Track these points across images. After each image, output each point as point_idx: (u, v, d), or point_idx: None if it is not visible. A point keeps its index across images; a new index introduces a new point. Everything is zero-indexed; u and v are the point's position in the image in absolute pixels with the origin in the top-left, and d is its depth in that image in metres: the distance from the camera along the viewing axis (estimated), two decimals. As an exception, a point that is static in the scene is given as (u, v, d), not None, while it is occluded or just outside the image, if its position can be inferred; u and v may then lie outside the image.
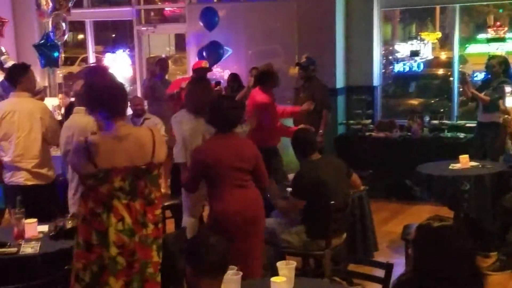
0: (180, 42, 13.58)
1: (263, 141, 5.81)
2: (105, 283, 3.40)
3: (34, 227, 4.20)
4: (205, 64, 7.38)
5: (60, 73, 11.07)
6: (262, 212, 4.44)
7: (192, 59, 9.50)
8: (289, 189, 5.28)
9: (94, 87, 3.51)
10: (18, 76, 5.28)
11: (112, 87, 3.48)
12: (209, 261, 2.50)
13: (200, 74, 7.06)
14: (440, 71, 10.04)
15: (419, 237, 2.71)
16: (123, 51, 10.56)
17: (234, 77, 8.62)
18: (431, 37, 9.24)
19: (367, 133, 8.46)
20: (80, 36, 14.76)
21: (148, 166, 3.41)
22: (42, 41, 8.02)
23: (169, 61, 13.85)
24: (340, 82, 8.85)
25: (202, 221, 5.66)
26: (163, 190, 5.59)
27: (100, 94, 3.43)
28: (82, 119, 4.51)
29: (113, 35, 16.37)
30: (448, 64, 9.35)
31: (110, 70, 3.65)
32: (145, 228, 3.43)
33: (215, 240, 2.57)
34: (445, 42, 10.01)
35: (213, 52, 8.85)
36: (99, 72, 3.56)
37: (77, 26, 13.11)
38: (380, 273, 3.71)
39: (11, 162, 5.17)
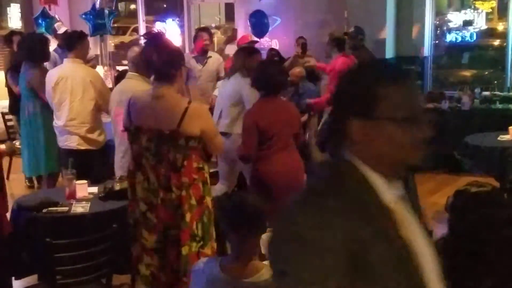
0: (230, 11, 13.60)
1: None
2: (141, 235, 3.61)
3: (84, 188, 4.36)
4: (251, 37, 7.43)
5: (111, 42, 11.28)
6: (303, 175, 4.51)
7: (241, 29, 9.53)
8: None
9: (145, 50, 3.66)
10: (74, 42, 5.49)
11: (160, 52, 3.56)
12: (245, 217, 2.57)
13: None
14: (494, 42, 9.78)
15: (456, 202, 2.72)
16: (173, 20, 10.65)
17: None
18: (485, 6, 8.99)
19: (416, 104, 8.35)
20: (132, 6, 14.94)
21: (172, 133, 3.48)
22: (89, 10, 8.18)
23: (219, 31, 13.93)
24: (389, 52, 8.75)
25: (240, 188, 5.75)
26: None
27: (148, 57, 3.58)
28: (135, 85, 4.60)
29: (164, 5, 16.51)
30: (503, 35, 9.12)
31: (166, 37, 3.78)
32: (169, 193, 3.54)
33: (252, 198, 2.64)
34: (502, 12, 9.74)
35: (257, 21, 8.84)
36: (154, 37, 3.69)
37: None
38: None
39: (63, 127, 5.36)
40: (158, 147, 3.53)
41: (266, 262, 2.81)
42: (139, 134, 3.58)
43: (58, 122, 5.40)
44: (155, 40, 3.65)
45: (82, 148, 5.34)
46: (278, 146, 4.37)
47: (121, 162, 4.64)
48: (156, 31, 4.01)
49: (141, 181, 3.60)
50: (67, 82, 5.33)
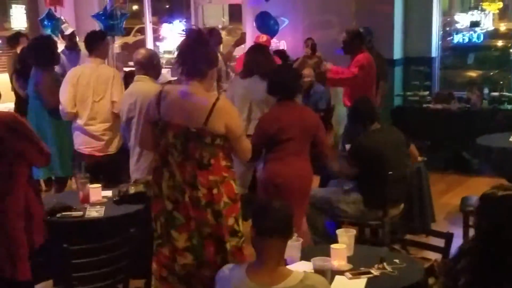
0: (234, 12, 13.54)
1: None
2: (170, 236, 3.54)
3: (98, 192, 4.33)
4: (262, 39, 7.40)
5: (116, 43, 11.23)
6: (310, 186, 4.51)
7: (248, 30, 9.49)
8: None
9: (182, 44, 3.64)
10: (95, 43, 5.49)
11: (198, 47, 3.56)
12: (270, 223, 2.54)
13: None
14: (500, 43, 9.74)
15: (483, 206, 2.68)
16: (180, 21, 10.62)
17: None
18: (493, 7, 8.94)
19: (425, 105, 8.35)
20: (135, 7, 14.88)
21: (198, 131, 3.45)
22: (101, 11, 8.13)
23: (223, 32, 13.90)
24: (398, 53, 8.72)
25: (251, 190, 5.75)
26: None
27: (184, 51, 3.58)
28: (145, 86, 4.59)
29: (167, 6, 16.45)
30: (509, 36, 9.10)
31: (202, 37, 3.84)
32: (195, 190, 3.48)
33: (278, 204, 2.60)
34: (504, 13, 9.72)
35: (263, 23, 8.80)
36: (194, 33, 3.70)
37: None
38: (436, 242, 3.73)
39: (84, 125, 5.34)
40: (185, 144, 3.49)
41: (291, 267, 2.78)
42: (166, 129, 3.52)
43: (79, 121, 5.39)
44: (195, 35, 3.62)
45: (97, 154, 5.31)
46: (292, 151, 4.34)
47: (136, 165, 4.61)
48: (197, 28, 3.98)
49: (167, 178, 3.54)
50: (90, 80, 5.33)
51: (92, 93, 5.31)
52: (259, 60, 5.34)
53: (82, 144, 5.38)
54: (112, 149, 5.38)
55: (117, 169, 5.20)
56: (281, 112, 4.37)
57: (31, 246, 3.45)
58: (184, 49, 3.58)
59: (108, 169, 5.08)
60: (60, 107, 5.42)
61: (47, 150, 3.67)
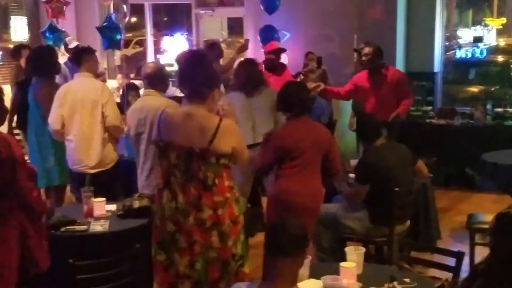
0: (233, 25, 13.54)
1: None
2: (174, 259, 3.53)
3: (102, 206, 4.27)
4: (278, 44, 7.44)
5: (115, 56, 11.21)
6: (320, 205, 4.50)
7: (250, 43, 9.45)
8: (351, 175, 5.23)
9: (183, 67, 3.69)
10: (82, 56, 5.41)
11: (199, 71, 3.57)
12: (282, 242, 2.48)
13: (276, 54, 7.20)
14: (503, 58, 9.74)
15: (499, 226, 2.65)
16: (181, 34, 10.58)
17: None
18: (496, 23, 8.94)
19: (428, 120, 8.32)
20: (133, 19, 14.87)
21: (202, 151, 3.44)
22: (105, 24, 8.08)
23: (223, 45, 13.88)
24: (400, 68, 8.64)
25: (254, 204, 5.72)
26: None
27: (186, 74, 3.60)
28: (155, 101, 4.54)
29: (165, 19, 16.42)
30: (510, 51, 9.11)
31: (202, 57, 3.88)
32: (200, 212, 3.47)
33: (292, 223, 2.55)
34: (507, 29, 9.73)
35: (268, 36, 8.78)
36: (195, 55, 3.83)
37: (131, 9, 13.18)
38: (440, 260, 3.69)
39: (71, 142, 5.27)
40: (188, 164, 3.48)
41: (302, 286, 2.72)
42: (167, 150, 3.53)
43: (68, 136, 5.32)
44: (197, 58, 3.68)
45: (91, 172, 5.25)
46: (304, 167, 4.33)
47: (146, 181, 4.54)
48: (197, 49, 4.06)
49: (168, 200, 3.53)
50: (77, 96, 5.23)
51: (79, 108, 5.21)
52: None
53: (74, 163, 5.31)
54: (103, 165, 5.30)
55: (111, 185, 5.15)
56: (294, 128, 4.37)
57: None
58: (184, 71, 3.61)
59: (102, 185, 4.94)
60: (49, 125, 5.37)
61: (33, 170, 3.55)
